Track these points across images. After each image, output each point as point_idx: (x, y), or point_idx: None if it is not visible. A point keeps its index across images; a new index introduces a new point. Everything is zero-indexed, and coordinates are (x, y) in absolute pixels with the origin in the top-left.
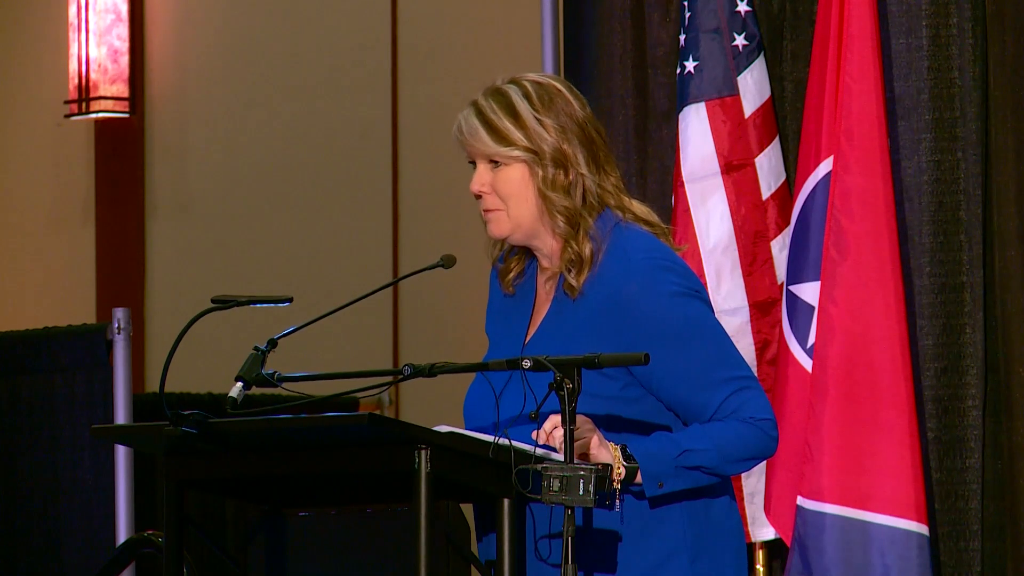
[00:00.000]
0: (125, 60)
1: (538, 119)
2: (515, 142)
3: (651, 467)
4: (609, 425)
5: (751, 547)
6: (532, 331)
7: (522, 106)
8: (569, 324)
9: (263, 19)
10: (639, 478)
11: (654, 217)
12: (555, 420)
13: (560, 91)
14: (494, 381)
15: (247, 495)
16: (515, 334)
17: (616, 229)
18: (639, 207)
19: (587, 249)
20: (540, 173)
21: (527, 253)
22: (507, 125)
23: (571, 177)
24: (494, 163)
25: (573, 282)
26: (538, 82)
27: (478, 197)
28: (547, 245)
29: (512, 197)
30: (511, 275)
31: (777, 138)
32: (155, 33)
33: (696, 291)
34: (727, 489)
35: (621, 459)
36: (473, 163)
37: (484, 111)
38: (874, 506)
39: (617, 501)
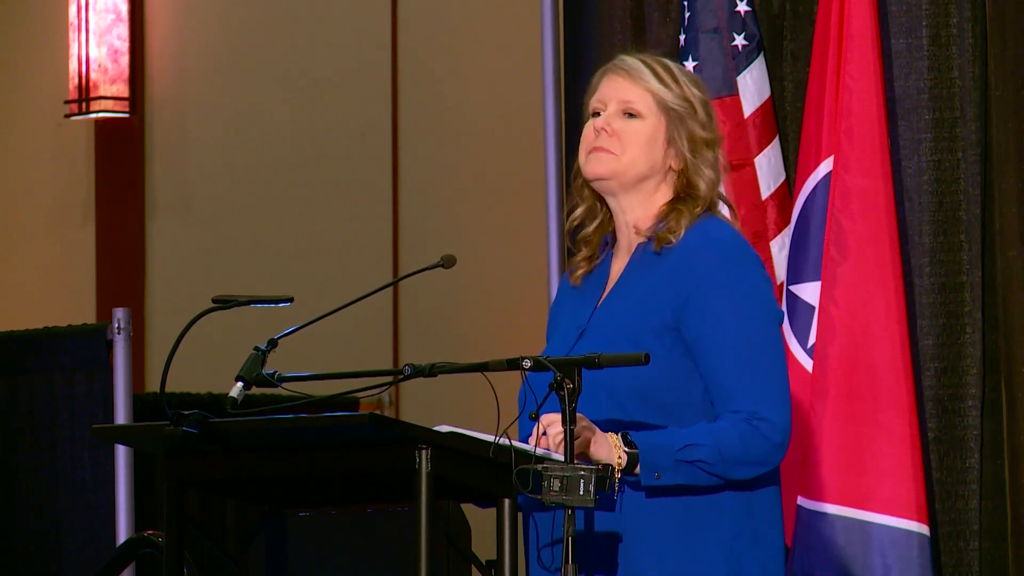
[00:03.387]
0: (125, 60)
1: (690, 88)
2: (674, 93)
3: (651, 457)
4: (613, 428)
5: None
6: (602, 298)
7: (679, 74)
8: (640, 286)
9: (263, 19)
10: (637, 468)
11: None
12: (548, 419)
13: (699, 78)
14: (540, 381)
15: (247, 495)
16: (586, 305)
17: (713, 219)
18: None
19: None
20: (694, 128)
21: (601, 249)
22: (668, 78)
23: (712, 152)
24: (629, 115)
25: (671, 236)
26: (682, 67)
27: (597, 133)
28: (634, 209)
29: (635, 146)
30: (580, 271)
31: (776, 138)
32: (155, 33)
33: (768, 288)
34: (774, 480)
35: (622, 445)
36: (597, 113)
37: (647, 60)
38: (874, 506)
39: (616, 495)
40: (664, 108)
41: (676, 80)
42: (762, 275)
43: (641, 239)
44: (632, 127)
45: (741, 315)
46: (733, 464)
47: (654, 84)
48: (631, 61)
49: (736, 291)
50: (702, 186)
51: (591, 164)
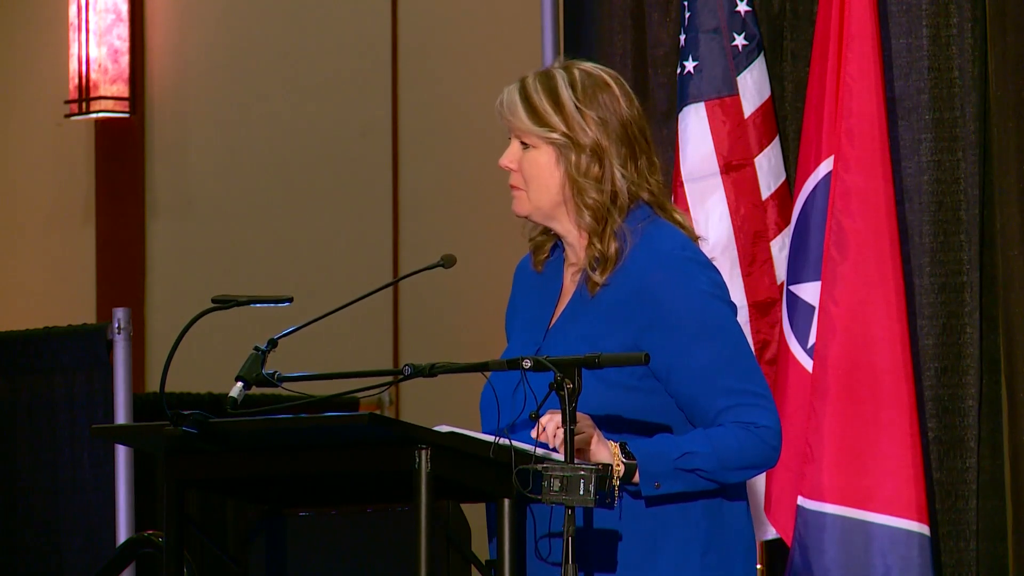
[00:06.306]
0: (125, 60)
1: (579, 108)
2: (550, 125)
3: (650, 467)
4: (611, 425)
5: None
6: (555, 319)
7: (565, 92)
8: (590, 313)
9: (263, 19)
10: (636, 477)
11: (689, 223)
12: (555, 419)
13: (609, 85)
14: (505, 380)
15: (247, 495)
16: (539, 321)
17: (649, 224)
18: (678, 212)
19: (612, 248)
20: (573, 159)
21: (553, 249)
22: (546, 107)
23: (604, 171)
24: (524, 143)
25: (597, 279)
26: (589, 72)
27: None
28: (569, 233)
29: (534, 180)
30: (543, 255)
31: (777, 138)
32: (155, 33)
33: (724, 294)
34: (743, 495)
35: (620, 456)
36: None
37: (527, 89)
38: (875, 506)
39: (616, 499)
40: (544, 140)
41: (557, 100)
42: (710, 277)
43: (585, 262)
44: (529, 158)
45: (708, 331)
46: (731, 470)
47: (528, 124)
48: (507, 96)
49: (697, 307)
50: (587, 217)
51: (513, 204)
